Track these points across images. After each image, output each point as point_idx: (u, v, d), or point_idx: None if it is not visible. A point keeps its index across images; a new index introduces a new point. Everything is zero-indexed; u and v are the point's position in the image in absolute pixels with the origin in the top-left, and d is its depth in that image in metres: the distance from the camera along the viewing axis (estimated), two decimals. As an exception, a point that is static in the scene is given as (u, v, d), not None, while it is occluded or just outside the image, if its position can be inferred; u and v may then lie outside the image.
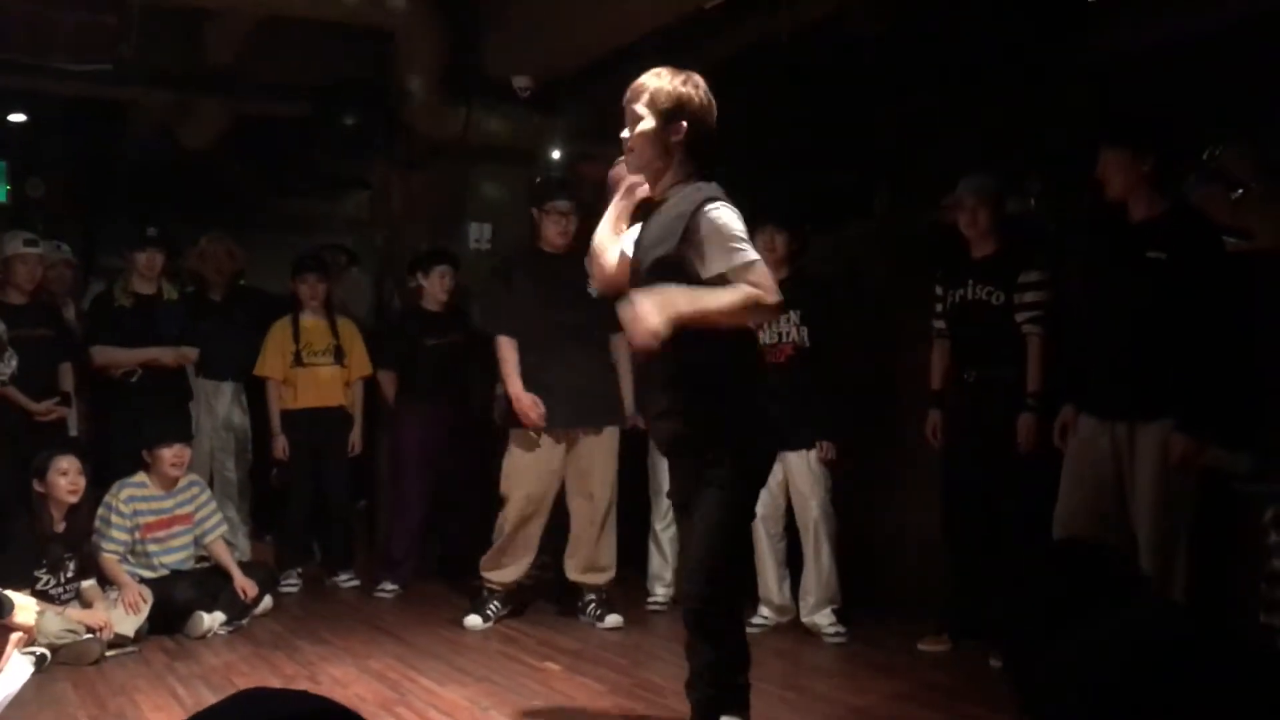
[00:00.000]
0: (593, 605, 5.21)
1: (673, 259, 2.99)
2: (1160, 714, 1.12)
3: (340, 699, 3.81)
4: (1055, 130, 5.26)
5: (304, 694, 0.90)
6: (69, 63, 6.06)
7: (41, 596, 4.47)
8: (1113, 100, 5.11)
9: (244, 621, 5.25)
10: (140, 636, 4.89)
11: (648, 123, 3.07)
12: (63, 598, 4.80)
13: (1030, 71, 5.43)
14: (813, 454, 4.84)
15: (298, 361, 6.11)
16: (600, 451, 5.18)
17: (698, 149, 3.10)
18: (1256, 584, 3.18)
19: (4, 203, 8.23)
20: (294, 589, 6.03)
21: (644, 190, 3.24)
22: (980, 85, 5.60)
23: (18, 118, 7.77)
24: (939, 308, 4.65)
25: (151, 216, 6.29)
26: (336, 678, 4.39)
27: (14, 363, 5.35)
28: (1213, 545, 3.74)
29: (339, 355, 6.19)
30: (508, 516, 5.22)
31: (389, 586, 5.98)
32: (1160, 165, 3.74)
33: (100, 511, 5.19)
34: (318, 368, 6.15)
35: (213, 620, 5.10)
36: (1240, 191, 4.41)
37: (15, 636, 3.23)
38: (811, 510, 4.86)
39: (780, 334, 4.87)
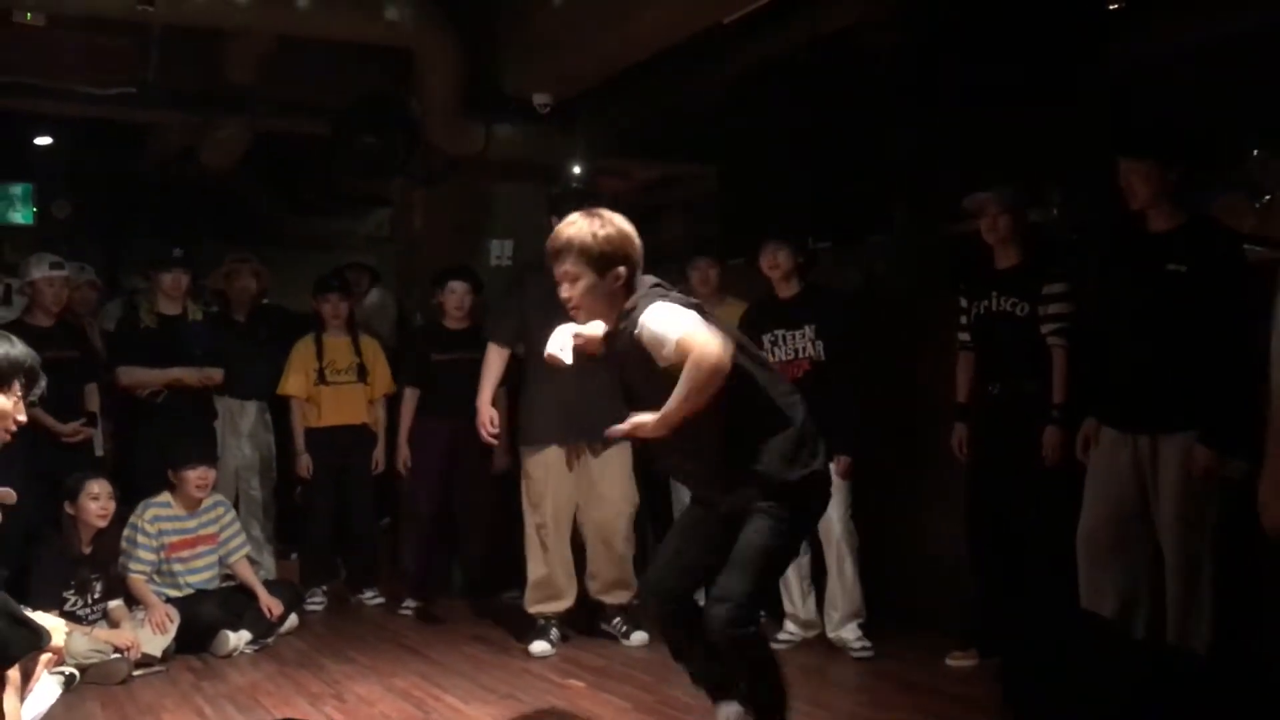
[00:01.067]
0: (618, 622, 5.20)
1: (657, 370, 3.05)
2: None
3: (365, 717, 3.82)
4: (1077, 141, 5.23)
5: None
6: (92, 86, 6.13)
7: (69, 617, 4.50)
8: (1134, 110, 5.08)
9: (269, 640, 5.27)
10: (167, 656, 4.92)
11: (587, 279, 3.13)
12: (90, 618, 4.83)
13: (1052, 81, 5.41)
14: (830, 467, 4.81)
15: (321, 380, 6.14)
16: (614, 465, 5.11)
17: (633, 280, 3.17)
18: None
19: (30, 224, 8.31)
20: (319, 607, 6.05)
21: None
22: (1001, 95, 5.58)
23: (44, 141, 7.85)
24: (964, 319, 4.63)
25: (174, 237, 6.34)
26: (362, 696, 4.40)
27: (42, 383, 5.38)
28: (1241, 561, 3.70)
29: (362, 373, 6.22)
30: (533, 543, 5.15)
31: (411, 604, 5.99)
32: (1184, 176, 3.72)
33: (126, 532, 5.22)
34: (341, 386, 6.17)
35: (238, 639, 5.11)
36: (1267, 199, 4.38)
37: (45, 657, 3.25)
38: (834, 526, 4.83)
39: (796, 350, 4.84)
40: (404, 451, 6.05)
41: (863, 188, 6.43)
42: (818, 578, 5.02)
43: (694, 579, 3.37)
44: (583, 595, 5.33)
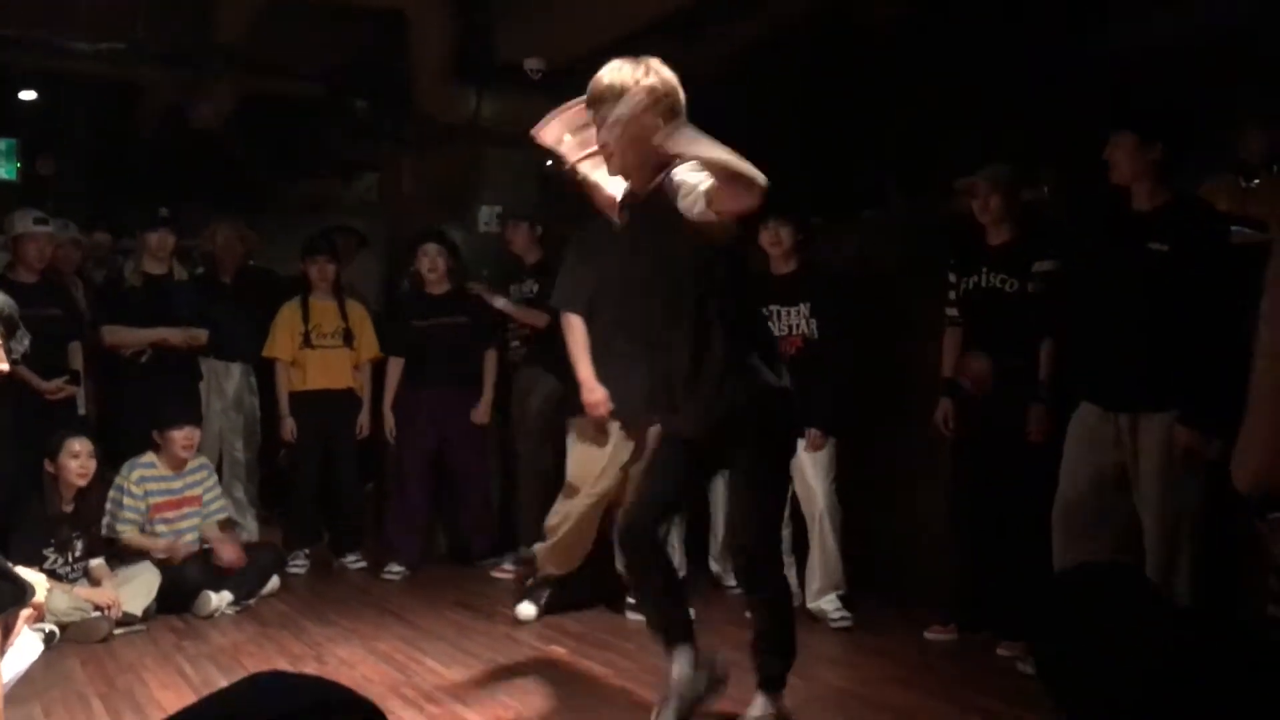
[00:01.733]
0: None
1: (681, 238, 2.98)
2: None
3: (347, 680, 3.84)
4: (1071, 120, 5.23)
5: (319, 680, 0.90)
6: (81, 41, 6.06)
7: (49, 575, 4.48)
8: (1130, 90, 5.08)
9: (251, 601, 5.27)
10: (148, 615, 4.91)
11: (621, 125, 2.99)
12: (70, 576, 4.83)
13: (1047, 60, 5.40)
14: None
15: (307, 344, 6.12)
16: None
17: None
18: (1265, 576, 3.17)
19: (14, 181, 8.23)
20: (301, 570, 6.05)
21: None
22: (996, 74, 5.57)
23: (29, 95, 7.76)
24: (952, 295, 4.63)
25: (161, 197, 6.29)
26: (343, 658, 4.41)
27: (26, 341, 5.35)
28: (1220, 538, 3.73)
29: (348, 338, 6.20)
30: (575, 510, 4.92)
31: (395, 569, 5.99)
32: (1167, 155, 3.72)
33: (112, 494, 5.22)
34: (327, 350, 6.15)
35: (220, 600, 5.12)
36: (1256, 182, 4.38)
37: (25, 613, 3.24)
38: (818, 500, 4.85)
39: (790, 326, 4.85)
40: (389, 420, 6.06)
41: (857, 164, 6.42)
42: (799, 549, 5.05)
43: (657, 515, 3.36)
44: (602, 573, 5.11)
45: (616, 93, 3.02)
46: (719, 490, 5.15)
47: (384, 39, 6.44)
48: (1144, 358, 3.71)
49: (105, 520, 5.15)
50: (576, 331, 4.77)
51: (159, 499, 5.28)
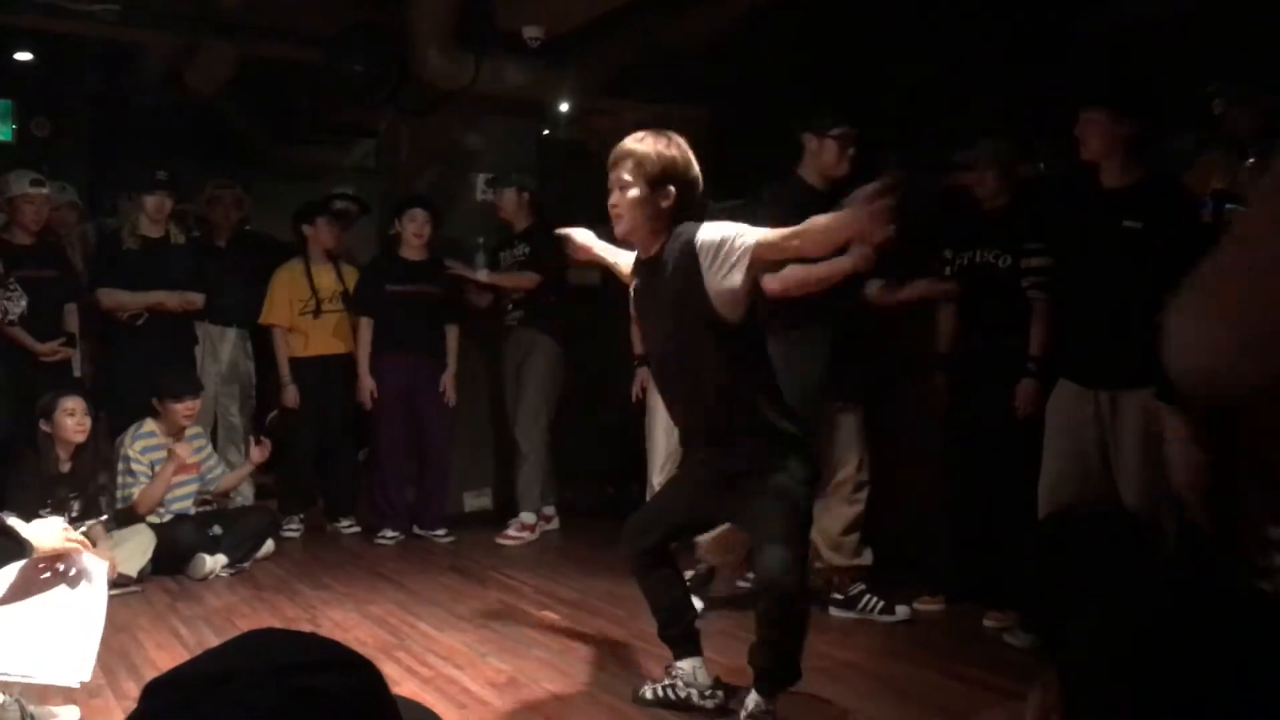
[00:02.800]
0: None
1: (703, 305, 3.08)
2: (1189, 676, 1.15)
3: (340, 641, 3.85)
4: (1067, 96, 5.22)
5: (315, 636, 0.91)
6: (76, 2, 6.02)
7: (46, 536, 4.51)
8: (1113, 67, 5.08)
9: (245, 564, 5.31)
10: (143, 576, 4.95)
11: (636, 191, 3.14)
12: (67, 537, 4.85)
13: (1045, 34, 5.39)
14: None
15: (316, 310, 6.12)
16: None
17: (684, 207, 3.18)
18: (1249, 551, 3.20)
19: (9, 142, 8.19)
20: (296, 534, 6.10)
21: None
22: (993, 48, 5.55)
23: (24, 56, 7.72)
24: (947, 270, 4.65)
25: (158, 160, 6.28)
26: (337, 621, 4.45)
27: (23, 303, 5.37)
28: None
29: (346, 301, 6.21)
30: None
31: (389, 534, 6.02)
32: (1139, 131, 3.74)
33: (121, 466, 5.29)
34: (329, 315, 6.17)
35: (215, 562, 5.15)
36: (1251, 161, 4.38)
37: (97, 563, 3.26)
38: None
39: None
40: (367, 382, 6.02)
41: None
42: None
43: (671, 533, 3.46)
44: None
45: (637, 159, 3.16)
46: None
47: (382, 4, 6.40)
48: (1121, 335, 3.74)
49: (119, 494, 5.24)
50: None
51: (159, 466, 5.32)
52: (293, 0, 6.40)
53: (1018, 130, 4.93)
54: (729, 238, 3.05)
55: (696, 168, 3.21)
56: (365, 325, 6.06)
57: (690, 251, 3.09)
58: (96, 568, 3.22)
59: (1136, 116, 3.73)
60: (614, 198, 3.19)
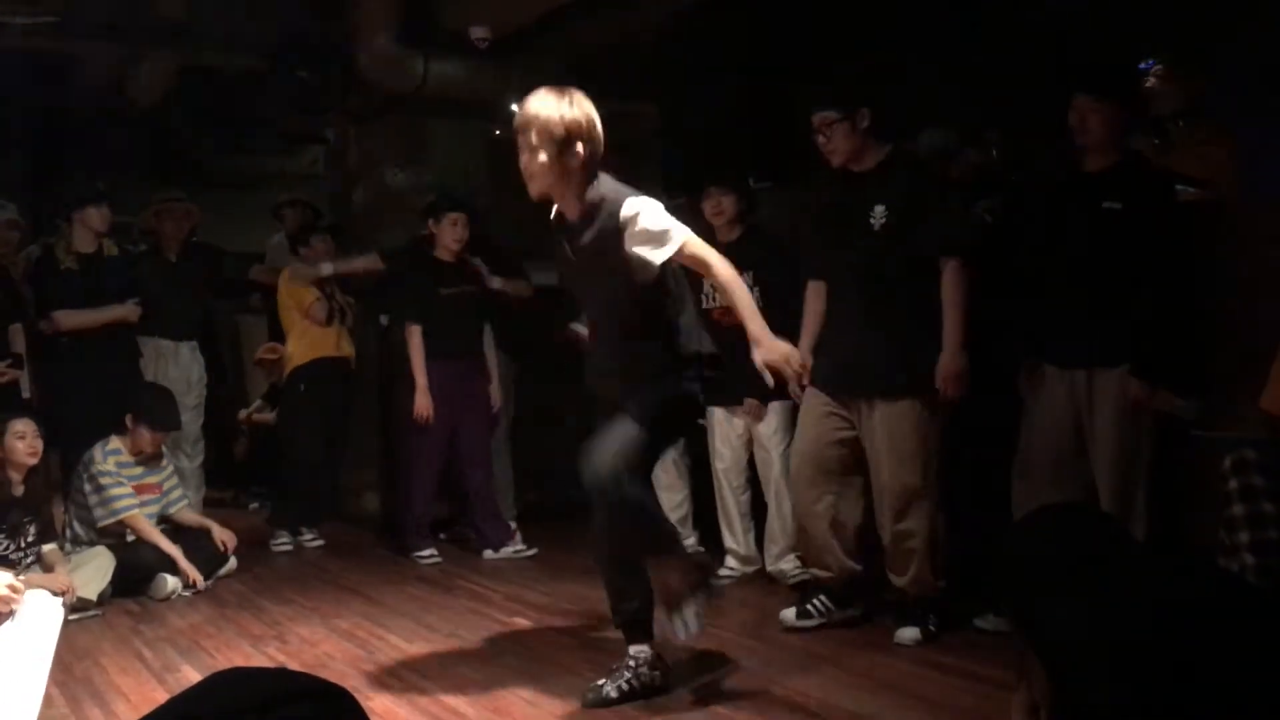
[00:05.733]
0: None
1: (619, 269, 3.27)
2: (1185, 668, 1.15)
3: (309, 657, 3.80)
4: (1018, 81, 5.25)
5: (285, 671, 0.88)
6: (12, 15, 5.90)
7: (1, 563, 4.42)
8: (1074, 49, 5.11)
9: (208, 583, 5.23)
10: (103, 600, 4.86)
11: (544, 155, 3.26)
12: (24, 562, 4.75)
13: (992, 20, 5.42)
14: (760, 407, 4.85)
15: (343, 320, 6.22)
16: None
17: (593, 165, 3.31)
18: (1216, 530, 3.23)
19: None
20: (288, 548, 6.10)
21: None
22: (940, 35, 5.58)
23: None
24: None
25: (101, 173, 6.19)
26: (304, 637, 4.39)
27: None
28: (1173, 492, 3.80)
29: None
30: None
31: (428, 553, 5.71)
32: (1123, 115, 3.79)
33: (87, 486, 5.19)
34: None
35: (176, 582, 5.08)
36: (1157, 141, 4.43)
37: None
38: (774, 464, 4.88)
39: None
40: (425, 397, 5.64)
41: (803, 128, 6.39)
42: (758, 515, 5.08)
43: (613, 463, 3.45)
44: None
45: (541, 124, 3.24)
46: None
47: (327, 9, 6.33)
48: (1100, 314, 3.77)
49: (97, 513, 5.15)
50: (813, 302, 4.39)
51: (131, 484, 5.27)
52: (234, 8, 6.31)
53: (967, 118, 4.95)
54: (657, 231, 3.24)
55: (599, 122, 3.31)
56: (416, 333, 5.70)
57: (615, 224, 3.25)
58: (44, 612, 3.13)
59: (1122, 100, 3.78)
60: (524, 159, 3.30)
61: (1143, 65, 4.47)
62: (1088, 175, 3.84)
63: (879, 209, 3.99)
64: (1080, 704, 1.28)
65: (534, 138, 3.25)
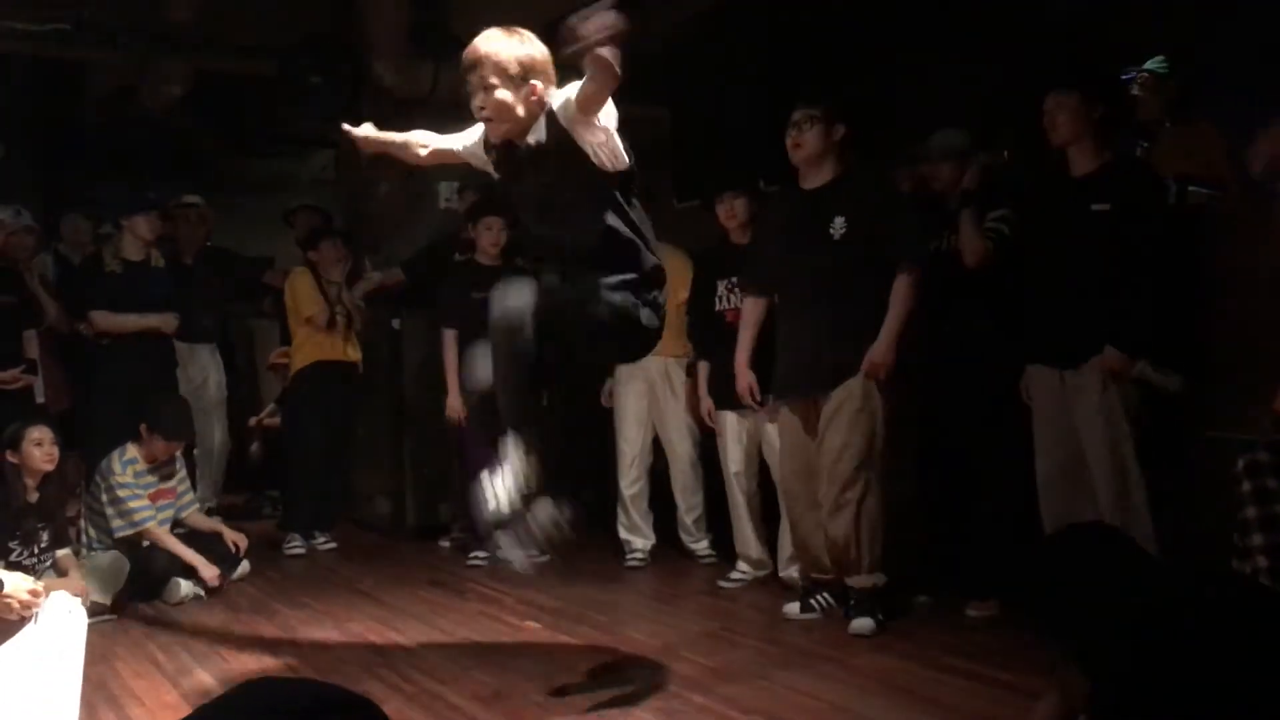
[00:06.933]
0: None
1: (575, 157, 3.13)
2: (1211, 672, 1.16)
3: (323, 661, 3.80)
4: (1030, 83, 5.25)
5: (313, 683, 0.90)
6: (26, 22, 5.94)
7: (14, 568, 4.43)
8: (1083, 49, 5.12)
9: (226, 581, 5.26)
10: (118, 604, 4.88)
11: (504, 94, 3.15)
12: (37, 568, 4.76)
13: (1007, 22, 5.41)
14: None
15: (349, 323, 6.19)
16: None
17: (548, 93, 3.19)
18: (1228, 532, 3.23)
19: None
20: (300, 551, 6.09)
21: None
22: (955, 37, 5.57)
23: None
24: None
25: (116, 179, 6.22)
26: (317, 641, 4.40)
27: None
28: (1185, 494, 3.80)
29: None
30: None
31: (482, 555, 5.58)
32: (1108, 115, 3.79)
33: (105, 497, 5.19)
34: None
35: (190, 587, 5.09)
36: (1145, 145, 4.44)
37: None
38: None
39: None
40: (457, 401, 5.58)
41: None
42: (769, 519, 5.08)
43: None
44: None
45: (495, 63, 3.13)
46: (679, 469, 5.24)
47: (338, 13, 6.35)
48: (1089, 314, 3.79)
49: (115, 524, 5.16)
50: (750, 315, 4.65)
51: (148, 491, 5.29)
52: (246, 13, 6.34)
53: (979, 120, 4.94)
54: (569, 98, 3.09)
55: (548, 53, 3.20)
56: (451, 338, 5.67)
57: (555, 121, 3.13)
58: (68, 615, 3.14)
59: (1106, 100, 3.78)
60: (479, 99, 3.19)
61: (1125, 76, 4.51)
62: (1077, 178, 3.86)
63: (839, 220, 4.13)
64: (1126, 710, 1.30)
65: (492, 78, 3.14)
